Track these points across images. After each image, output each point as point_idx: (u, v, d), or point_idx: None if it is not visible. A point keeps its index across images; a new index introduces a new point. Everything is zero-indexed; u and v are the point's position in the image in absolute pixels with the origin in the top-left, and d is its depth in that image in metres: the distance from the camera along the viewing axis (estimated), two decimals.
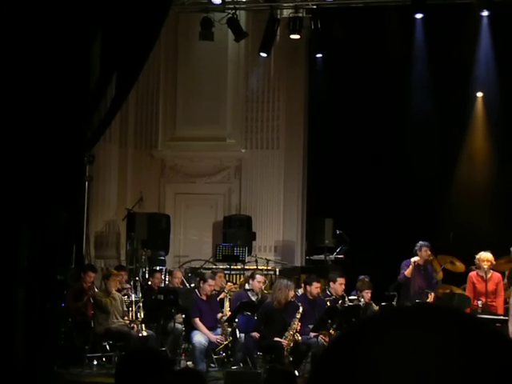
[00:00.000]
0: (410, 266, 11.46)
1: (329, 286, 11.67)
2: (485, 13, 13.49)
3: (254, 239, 15.09)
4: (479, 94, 15.01)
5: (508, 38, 13.52)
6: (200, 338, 10.82)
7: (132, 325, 11.08)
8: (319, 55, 15.10)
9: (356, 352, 0.84)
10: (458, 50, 13.65)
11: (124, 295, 11.60)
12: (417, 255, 11.54)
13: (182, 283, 12.85)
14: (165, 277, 13.18)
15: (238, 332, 10.98)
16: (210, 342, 10.88)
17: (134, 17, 10.69)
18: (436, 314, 0.87)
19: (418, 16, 13.78)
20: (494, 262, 10.76)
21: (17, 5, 8.77)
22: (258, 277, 11.85)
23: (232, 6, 14.62)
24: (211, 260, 14.47)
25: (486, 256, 10.66)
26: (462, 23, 13.58)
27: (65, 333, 11.32)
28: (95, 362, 11.18)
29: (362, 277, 12.21)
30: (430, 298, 11.33)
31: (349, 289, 11.90)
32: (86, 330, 11.26)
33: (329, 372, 0.86)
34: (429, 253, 11.53)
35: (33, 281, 9.20)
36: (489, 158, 14.77)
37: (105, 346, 11.34)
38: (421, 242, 11.56)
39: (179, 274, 12.96)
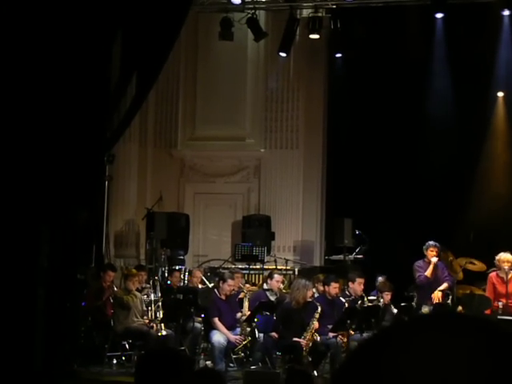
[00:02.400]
0: (431, 267, 11.42)
1: (348, 286, 11.65)
2: (506, 12, 13.43)
3: (273, 239, 15.09)
4: (500, 94, 14.93)
5: None
6: (219, 337, 10.83)
7: (151, 324, 11.11)
8: (339, 55, 15.06)
9: (381, 357, 0.86)
10: (479, 49, 13.58)
11: (143, 295, 11.63)
12: (426, 255, 11.52)
13: (202, 282, 12.87)
14: (184, 276, 13.21)
15: (256, 332, 10.98)
16: (229, 342, 10.88)
17: (154, 17, 10.73)
18: (461, 321, 0.88)
19: (439, 15, 13.73)
20: None
21: (39, 5, 8.82)
22: (277, 276, 11.85)
23: (252, 6, 14.63)
24: (230, 260, 14.49)
25: (506, 257, 10.60)
26: (483, 22, 13.50)
27: (85, 332, 11.37)
28: (115, 361, 11.23)
29: (380, 277, 12.18)
30: (440, 293, 11.31)
31: (368, 289, 11.88)
32: (106, 329, 11.30)
33: (354, 377, 0.87)
34: (434, 253, 11.50)
35: (53, 280, 9.26)
36: (510, 159, 14.69)
37: (124, 345, 11.39)
38: (429, 242, 11.54)
39: (199, 274, 12.98)
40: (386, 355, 0.85)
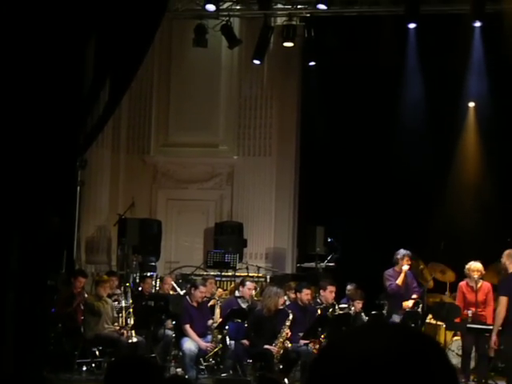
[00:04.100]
0: (402, 275, 11.46)
1: (319, 293, 11.68)
2: (477, 23, 13.56)
3: (246, 246, 15.10)
4: (471, 104, 15.07)
5: (500, 49, 13.58)
6: (190, 344, 10.81)
7: (122, 331, 11.06)
8: (312, 63, 15.11)
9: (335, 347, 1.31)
10: (451, 59, 13.70)
11: (114, 301, 11.59)
12: (397, 263, 11.51)
13: (173, 289, 12.84)
14: (155, 283, 13.17)
15: (228, 339, 10.97)
16: (200, 349, 10.87)
17: (129, 22, 10.71)
18: (387, 328, 1.35)
19: (411, 26, 13.84)
20: (483, 272, 10.79)
21: (9, 7, 8.77)
22: (249, 284, 11.86)
23: (226, 13, 14.66)
24: (202, 266, 14.47)
25: (475, 266, 10.69)
26: (455, 33, 13.62)
27: (54, 338, 11.29)
28: (84, 368, 11.17)
29: (349, 285, 12.23)
30: (411, 302, 11.37)
31: (339, 297, 11.92)
32: (76, 336, 11.23)
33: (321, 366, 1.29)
34: (409, 262, 11.53)
35: (23, 285, 9.18)
36: (480, 168, 14.82)
37: (94, 351, 11.32)
38: (403, 251, 11.55)
39: (170, 281, 12.95)
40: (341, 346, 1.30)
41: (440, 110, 14.15)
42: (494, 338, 9.47)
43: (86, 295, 11.63)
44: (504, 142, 14.14)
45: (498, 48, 13.67)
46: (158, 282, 13.20)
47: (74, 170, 13.25)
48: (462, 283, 10.96)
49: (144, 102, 16.11)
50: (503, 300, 9.32)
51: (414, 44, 14.51)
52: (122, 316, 11.28)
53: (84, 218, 14.94)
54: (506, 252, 9.66)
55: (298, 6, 14.65)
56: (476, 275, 10.64)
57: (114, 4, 10.36)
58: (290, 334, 10.59)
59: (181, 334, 11.06)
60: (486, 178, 14.50)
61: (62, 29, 9.12)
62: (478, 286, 10.70)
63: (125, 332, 11.01)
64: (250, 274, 14.00)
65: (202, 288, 11.26)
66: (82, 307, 11.39)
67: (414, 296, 11.53)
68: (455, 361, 11.36)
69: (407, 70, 14.77)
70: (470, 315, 10.64)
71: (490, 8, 13.11)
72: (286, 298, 11.52)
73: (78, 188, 14.09)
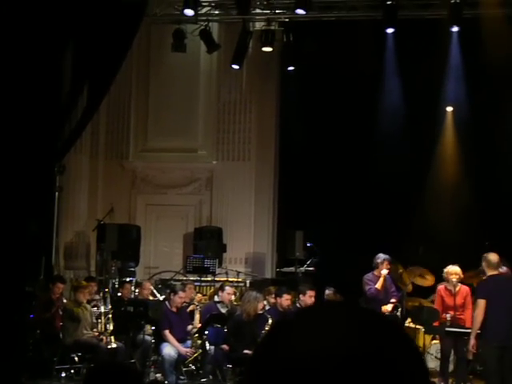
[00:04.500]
0: (381, 279, 11.49)
1: (299, 298, 11.69)
2: (455, 28, 13.64)
3: (225, 251, 15.09)
4: (449, 109, 15.17)
5: (477, 54, 13.68)
6: (169, 350, 10.78)
7: (101, 337, 11.01)
8: (291, 68, 15.14)
9: (279, 338, 1.07)
10: (429, 64, 13.77)
11: (93, 306, 11.54)
12: (377, 267, 11.55)
13: (152, 294, 12.80)
14: (135, 288, 13.13)
15: (207, 344, 10.96)
16: (180, 355, 10.84)
17: (106, 27, 10.69)
18: (340, 309, 1.12)
19: (389, 30, 13.91)
20: (462, 276, 10.84)
21: None
22: (228, 289, 11.85)
23: (205, 18, 14.66)
24: (181, 271, 14.44)
25: (454, 269, 10.73)
26: (433, 38, 13.71)
27: (33, 344, 11.22)
28: (63, 374, 11.10)
29: (327, 290, 12.24)
30: (390, 306, 11.41)
31: (318, 301, 11.92)
32: (55, 342, 11.17)
33: (258, 362, 1.07)
34: (388, 266, 11.57)
35: (1, 292, 9.13)
36: (458, 172, 14.91)
37: (73, 358, 11.26)
38: (382, 255, 11.59)
39: (148, 286, 12.91)
40: (283, 336, 1.07)
41: (418, 114, 14.23)
42: (472, 341, 9.52)
43: (64, 301, 11.57)
44: (481, 146, 14.25)
45: (475, 52, 13.77)
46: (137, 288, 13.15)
47: (52, 175, 13.20)
48: (441, 287, 11.00)
49: (122, 107, 16.07)
50: (481, 303, 9.36)
51: (393, 49, 14.59)
52: (101, 322, 11.23)
53: (62, 223, 14.87)
54: (484, 256, 9.71)
55: (277, 11, 14.67)
56: (454, 279, 10.69)
57: (91, 10, 10.34)
58: None
59: (160, 339, 11.03)
60: (464, 182, 14.59)
61: (39, 35, 9.09)
62: (457, 289, 10.75)
63: (104, 338, 10.97)
64: (230, 279, 13.99)
65: (181, 293, 11.24)
66: (61, 313, 11.33)
67: (393, 300, 11.57)
68: (434, 364, 11.41)
69: (385, 75, 14.85)
70: (448, 319, 10.68)
71: (468, 13, 13.20)
72: (265, 302, 11.51)
73: (57, 194, 14.02)
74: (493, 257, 9.53)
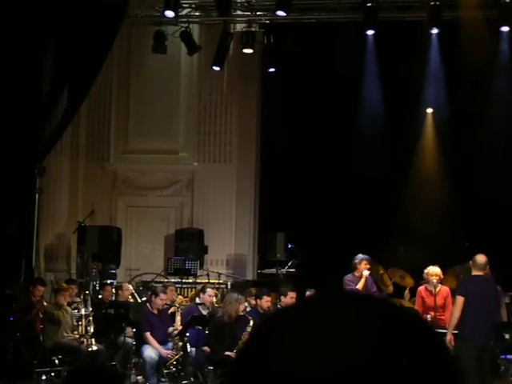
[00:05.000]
0: (363, 280, 11.50)
1: (280, 299, 11.69)
2: (434, 30, 13.71)
3: (206, 253, 15.07)
4: (429, 110, 15.24)
5: (457, 56, 13.75)
6: (151, 352, 10.75)
7: (82, 339, 10.97)
8: (272, 69, 15.15)
9: (270, 341, 0.86)
10: (409, 66, 13.83)
11: (74, 309, 11.49)
12: (356, 268, 11.55)
13: (133, 296, 12.76)
14: (115, 290, 13.08)
15: (188, 346, 10.94)
16: (161, 357, 10.82)
17: (87, 29, 10.66)
18: (353, 300, 0.88)
19: (370, 32, 13.95)
20: (442, 276, 10.88)
21: None
22: (209, 290, 11.83)
23: (185, 20, 14.65)
24: (163, 273, 14.41)
25: (434, 270, 10.78)
26: (413, 40, 13.77)
27: (13, 347, 11.16)
28: (44, 377, 11.03)
29: (308, 291, 12.25)
30: None
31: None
32: (35, 345, 11.11)
33: (245, 367, 0.86)
34: (368, 266, 11.57)
35: None
36: (439, 173, 14.98)
37: (54, 360, 11.20)
38: (360, 256, 11.59)
39: (128, 287, 12.87)
40: (274, 338, 0.86)
41: (398, 115, 14.28)
42: (449, 336, 9.52)
43: (45, 304, 11.51)
44: (461, 147, 14.33)
45: (455, 54, 13.84)
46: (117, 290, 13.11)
47: (32, 177, 13.14)
48: (421, 288, 11.04)
49: (103, 109, 16.01)
50: (459, 299, 9.36)
51: (373, 50, 14.64)
52: (81, 324, 11.19)
53: (43, 225, 14.79)
54: (474, 257, 9.66)
55: (258, 13, 14.68)
56: (434, 279, 10.73)
57: (72, 11, 10.30)
58: None
59: (141, 341, 11.00)
60: (444, 183, 14.65)
61: (19, 36, 9.04)
62: (437, 290, 10.80)
63: (85, 340, 10.92)
64: (211, 281, 13.98)
65: (162, 295, 11.21)
66: (41, 316, 11.27)
67: None
68: None
69: (366, 77, 14.90)
70: (429, 319, 10.72)
71: (447, 15, 13.27)
72: (246, 304, 11.51)
73: (37, 195, 13.95)
74: (480, 258, 9.52)
